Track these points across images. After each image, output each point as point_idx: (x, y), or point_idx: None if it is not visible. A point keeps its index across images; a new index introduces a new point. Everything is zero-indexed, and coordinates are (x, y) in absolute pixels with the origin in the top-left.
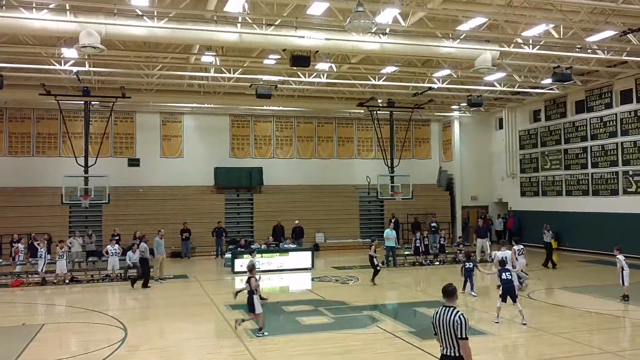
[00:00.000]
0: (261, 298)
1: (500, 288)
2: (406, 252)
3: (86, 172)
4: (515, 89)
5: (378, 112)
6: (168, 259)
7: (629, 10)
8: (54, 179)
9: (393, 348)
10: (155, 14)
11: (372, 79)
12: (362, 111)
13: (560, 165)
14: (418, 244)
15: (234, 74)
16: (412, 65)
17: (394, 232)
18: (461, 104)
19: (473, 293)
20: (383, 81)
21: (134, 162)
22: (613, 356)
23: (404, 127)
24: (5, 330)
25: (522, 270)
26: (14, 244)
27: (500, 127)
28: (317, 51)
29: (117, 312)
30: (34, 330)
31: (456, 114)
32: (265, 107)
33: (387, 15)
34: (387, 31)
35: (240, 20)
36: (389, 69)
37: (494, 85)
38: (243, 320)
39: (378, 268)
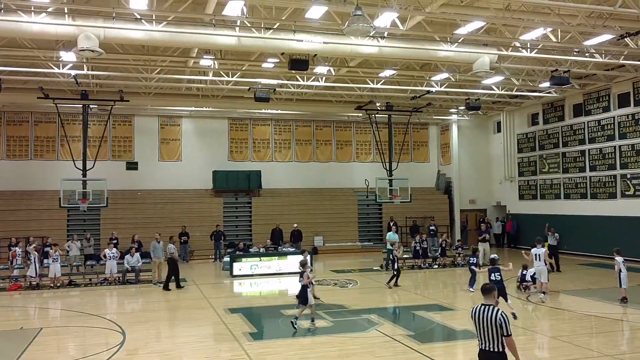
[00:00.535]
0: (314, 297)
1: None
2: (405, 256)
3: (84, 175)
4: (513, 93)
5: (376, 115)
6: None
7: (626, 14)
8: (52, 182)
9: (392, 352)
10: (154, 17)
11: (370, 83)
12: (361, 114)
13: (558, 169)
14: (417, 248)
15: (232, 77)
16: (410, 69)
17: (396, 235)
18: (459, 108)
19: (471, 289)
20: (381, 85)
21: (132, 166)
22: (612, 359)
23: (402, 131)
24: (4, 334)
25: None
26: (11, 247)
27: (499, 130)
28: (316, 55)
29: (115, 316)
30: (32, 334)
31: (454, 117)
32: (263, 111)
33: (386, 19)
34: (386, 35)
35: (238, 23)
36: (387, 73)
37: (492, 89)
38: (297, 318)
39: (397, 271)
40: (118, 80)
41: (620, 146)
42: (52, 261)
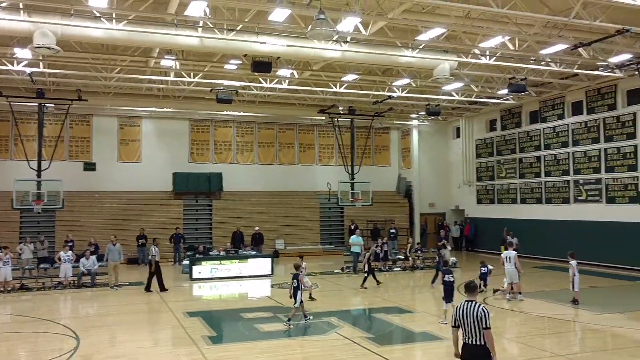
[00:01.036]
0: (310, 297)
1: (442, 290)
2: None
3: (39, 176)
4: (473, 99)
5: (339, 119)
6: (124, 265)
7: (579, 25)
8: (5, 182)
9: (351, 354)
10: (114, 16)
11: (333, 87)
12: (324, 118)
13: (515, 174)
14: (378, 251)
15: (194, 78)
16: (372, 74)
17: (360, 238)
18: (420, 113)
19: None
20: (344, 89)
21: (90, 167)
22: (564, 359)
23: (364, 135)
24: None
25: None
26: None
27: (458, 136)
28: (279, 57)
29: (69, 321)
30: None
31: (415, 122)
32: (225, 112)
33: (348, 24)
34: (348, 39)
35: (201, 24)
36: (350, 77)
37: (452, 95)
38: (289, 319)
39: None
40: (76, 79)
41: (573, 152)
42: (3, 264)
